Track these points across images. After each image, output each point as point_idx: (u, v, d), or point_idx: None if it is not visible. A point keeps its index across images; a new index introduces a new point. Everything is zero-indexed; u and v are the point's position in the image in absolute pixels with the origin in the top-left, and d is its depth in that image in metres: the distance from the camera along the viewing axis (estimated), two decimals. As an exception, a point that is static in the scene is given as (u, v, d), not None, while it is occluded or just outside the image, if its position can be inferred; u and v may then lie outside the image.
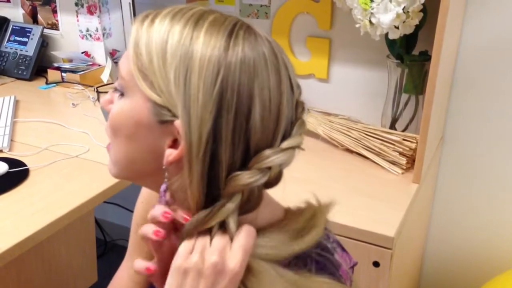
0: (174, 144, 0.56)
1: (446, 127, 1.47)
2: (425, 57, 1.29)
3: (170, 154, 0.55)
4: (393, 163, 1.27)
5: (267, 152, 0.55)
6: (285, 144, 0.56)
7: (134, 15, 1.28)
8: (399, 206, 1.12)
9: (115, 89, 0.60)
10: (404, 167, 1.26)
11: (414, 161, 1.24)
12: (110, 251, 2.19)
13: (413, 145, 1.24)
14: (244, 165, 0.55)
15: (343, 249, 0.67)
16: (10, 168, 1.20)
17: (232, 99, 0.53)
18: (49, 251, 1.24)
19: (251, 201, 0.56)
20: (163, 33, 0.56)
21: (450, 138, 1.47)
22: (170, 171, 0.57)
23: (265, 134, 0.55)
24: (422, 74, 1.30)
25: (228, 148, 0.54)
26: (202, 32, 0.55)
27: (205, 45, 0.54)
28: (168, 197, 0.58)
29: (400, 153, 1.26)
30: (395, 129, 1.36)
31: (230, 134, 0.53)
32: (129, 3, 1.26)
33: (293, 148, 0.57)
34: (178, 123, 0.54)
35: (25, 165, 1.23)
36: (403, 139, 1.25)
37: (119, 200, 2.00)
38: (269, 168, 0.55)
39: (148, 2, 1.67)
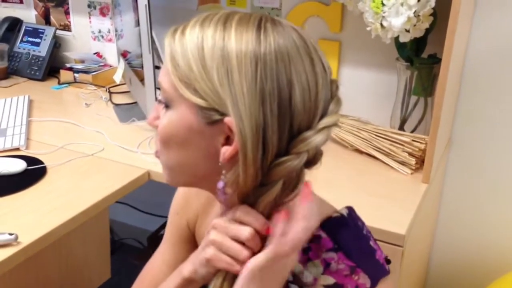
0: (227, 141, 0.59)
1: (454, 129, 1.49)
2: (434, 60, 1.31)
3: (226, 150, 0.59)
4: (402, 163, 1.29)
5: (306, 134, 0.59)
6: (322, 124, 0.59)
7: (150, 17, 1.31)
8: (409, 205, 1.15)
9: (159, 101, 0.64)
10: (413, 168, 1.28)
11: (423, 161, 1.26)
12: (118, 250, 2.21)
13: (422, 146, 1.26)
14: (287, 149, 0.59)
15: (375, 241, 0.70)
16: (28, 166, 1.23)
17: (273, 88, 0.57)
18: (66, 248, 1.27)
19: (289, 185, 0.60)
20: (196, 41, 0.59)
21: (457, 139, 1.50)
22: (225, 168, 0.60)
23: (306, 115, 0.59)
24: (431, 77, 1.32)
25: (275, 134, 0.57)
26: (232, 31, 0.58)
27: (238, 42, 0.57)
28: (228, 192, 0.61)
29: (410, 154, 1.28)
30: (404, 130, 1.38)
31: (276, 120, 0.57)
32: (145, 5, 1.29)
33: (329, 127, 0.60)
34: (228, 119, 0.57)
35: (42, 163, 1.25)
36: (413, 140, 1.28)
37: (128, 200, 2.02)
38: (307, 150, 0.58)
39: (162, 5, 1.70)
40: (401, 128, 1.39)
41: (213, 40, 0.58)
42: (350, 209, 0.70)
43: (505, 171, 1.47)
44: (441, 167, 1.44)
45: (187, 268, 0.66)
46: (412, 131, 1.38)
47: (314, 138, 0.59)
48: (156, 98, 1.41)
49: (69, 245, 1.28)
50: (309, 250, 0.65)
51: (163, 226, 1.85)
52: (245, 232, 0.59)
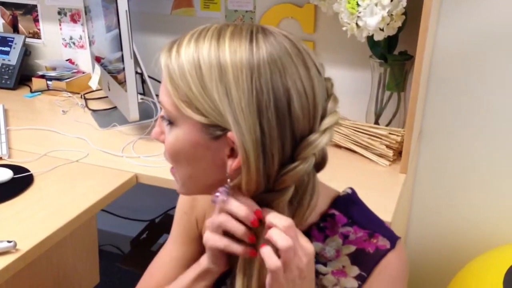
0: (232, 153, 0.62)
1: (423, 121, 1.57)
2: (406, 56, 1.38)
3: (232, 162, 0.62)
4: (381, 155, 1.35)
5: (311, 138, 0.61)
6: (325, 125, 0.62)
7: (130, 23, 1.32)
8: (391, 194, 1.21)
9: (162, 118, 0.66)
10: (391, 159, 1.35)
11: (399, 153, 1.33)
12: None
13: (398, 138, 1.33)
14: (293, 155, 0.61)
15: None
16: (14, 174, 1.22)
17: (269, 99, 0.59)
18: (58, 256, 1.26)
19: (301, 189, 0.63)
20: (192, 61, 0.60)
21: (427, 131, 1.58)
22: (232, 177, 0.63)
23: (306, 120, 0.61)
24: (403, 73, 1.39)
25: (276, 143, 0.60)
26: (226, 48, 0.60)
27: (233, 58, 0.60)
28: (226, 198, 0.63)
29: (387, 146, 1.35)
30: (379, 124, 1.45)
31: (275, 130, 0.59)
32: (126, 10, 1.30)
33: (331, 126, 0.63)
34: (231, 134, 0.60)
35: (28, 171, 1.25)
36: (389, 133, 1.34)
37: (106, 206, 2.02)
38: (314, 153, 0.61)
39: (135, 10, 1.71)
40: (376, 122, 1.46)
41: (209, 59, 0.60)
42: (352, 189, 0.76)
43: (472, 160, 1.55)
44: (414, 158, 1.52)
45: (205, 259, 0.70)
46: (387, 125, 1.44)
47: (319, 141, 0.61)
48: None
49: (60, 252, 1.27)
50: (325, 229, 0.70)
51: (144, 230, 1.86)
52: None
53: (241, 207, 0.62)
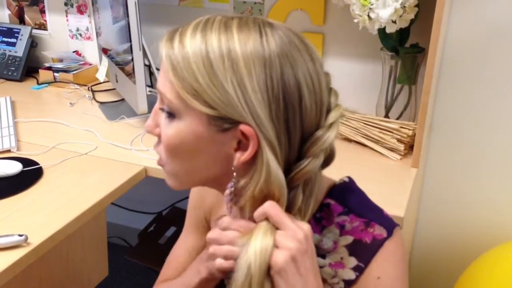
0: (239, 146, 0.60)
1: (434, 114, 1.56)
2: (418, 49, 1.37)
3: (241, 155, 0.60)
4: (392, 149, 1.34)
5: (318, 133, 0.60)
6: (330, 119, 0.61)
7: (139, 14, 1.31)
8: (403, 189, 1.20)
9: (162, 110, 0.63)
10: (402, 153, 1.33)
11: (410, 147, 1.32)
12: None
13: (410, 132, 1.32)
14: (301, 152, 0.60)
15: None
16: (23, 167, 1.21)
17: (279, 91, 0.58)
18: (67, 248, 1.26)
19: (309, 188, 0.62)
20: (200, 51, 0.58)
21: (438, 124, 1.57)
22: (237, 172, 0.61)
23: (314, 114, 0.60)
24: (415, 65, 1.38)
25: (285, 137, 0.59)
26: (235, 40, 0.58)
27: (244, 50, 0.58)
28: (232, 196, 0.62)
29: (398, 140, 1.33)
30: (389, 118, 1.43)
31: (285, 123, 0.58)
32: (135, 2, 1.29)
33: (337, 120, 0.62)
34: (244, 127, 0.58)
35: (37, 164, 1.24)
36: (400, 127, 1.33)
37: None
38: (323, 149, 0.60)
39: (143, 1, 1.69)
40: (387, 115, 1.45)
41: (219, 50, 0.58)
42: (350, 178, 0.74)
43: (482, 153, 1.54)
44: (424, 152, 1.51)
45: (204, 269, 0.69)
46: (397, 118, 1.43)
47: (327, 136, 0.60)
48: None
49: (70, 245, 1.27)
50: (322, 219, 0.69)
51: (151, 223, 1.86)
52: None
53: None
